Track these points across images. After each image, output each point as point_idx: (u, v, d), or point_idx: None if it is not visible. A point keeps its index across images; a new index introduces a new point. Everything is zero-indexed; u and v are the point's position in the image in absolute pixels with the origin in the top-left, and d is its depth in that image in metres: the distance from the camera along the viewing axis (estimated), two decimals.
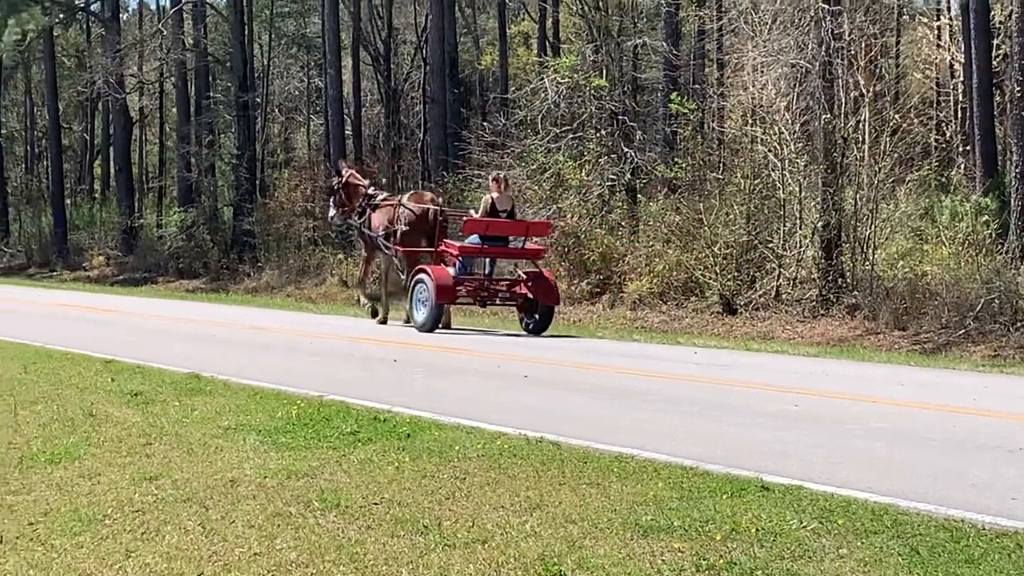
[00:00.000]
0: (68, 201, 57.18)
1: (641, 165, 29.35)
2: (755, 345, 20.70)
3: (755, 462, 8.81)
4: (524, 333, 21.78)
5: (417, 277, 21.18)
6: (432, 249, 22.31)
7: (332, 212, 24.86)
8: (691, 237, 26.21)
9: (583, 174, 29.19)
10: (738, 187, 26.04)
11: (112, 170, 56.42)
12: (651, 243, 27.54)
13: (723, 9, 32.76)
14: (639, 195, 29.99)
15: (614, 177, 29.12)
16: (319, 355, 17.29)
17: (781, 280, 24.64)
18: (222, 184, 45.73)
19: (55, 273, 47.27)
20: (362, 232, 23.88)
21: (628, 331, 23.46)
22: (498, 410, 11.42)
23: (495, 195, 21.76)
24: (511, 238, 21.82)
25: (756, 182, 25.58)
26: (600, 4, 32.35)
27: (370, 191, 24.07)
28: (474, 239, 21.59)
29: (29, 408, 11.44)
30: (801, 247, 24.67)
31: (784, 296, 24.43)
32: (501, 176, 22.95)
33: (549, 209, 28.39)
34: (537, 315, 21.60)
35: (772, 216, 25.56)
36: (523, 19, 56.43)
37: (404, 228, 22.45)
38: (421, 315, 21.04)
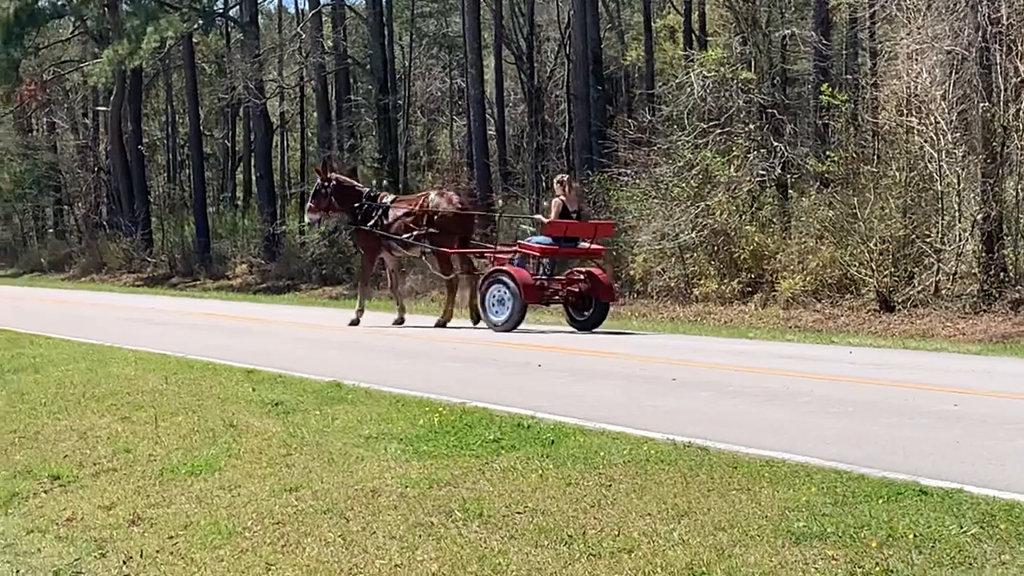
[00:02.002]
0: (210, 209, 57.82)
1: (792, 159, 29.02)
2: (913, 343, 20.40)
3: (912, 465, 8.70)
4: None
5: (494, 277, 21.99)
6: (488, 248, 23.98)
7: (314, 216, 25.37)
8: (845, 233, 25.89)
9: (732, 170, 28.95)
10: (893, 180, 25.65)
11: (254, 177, 57.07)
12: (803, 240, 27.28)
13: None
14: (790, 190, 29.69)
15: (764, 172, 28.83)
16: (462, 360, 17.37)
17: (940, 275, 24.27)
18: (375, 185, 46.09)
19: (198, 282, 47.88)
20: (370, 234, 24.15)
21: (781, 331, 23.27)
22: (644, 414, 11.40)
23: (562, 197, 22.67)
24: (580, 238, 22.72)
25: (912, 174, 25.20)
26: None
27: (371, 192, 24.66)
28: (545, 240, 22.46)
29: (170, 419, 11.64)
30: (960, 241, 24.27)
31: (943, 292, 24.06)
32: (565, 179, 23.72)
33: (697, 207, 28.24)
34: (589, 312, 22.65)
35: (929, 209, 25.15)
36: (668, 12, 56.09)
37: (436, 228, 23.39)
38: (500, 315, 21.80)
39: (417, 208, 23.59)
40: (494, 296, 21.94)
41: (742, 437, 9.94)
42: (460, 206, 24.02)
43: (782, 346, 19.86)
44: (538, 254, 22.43)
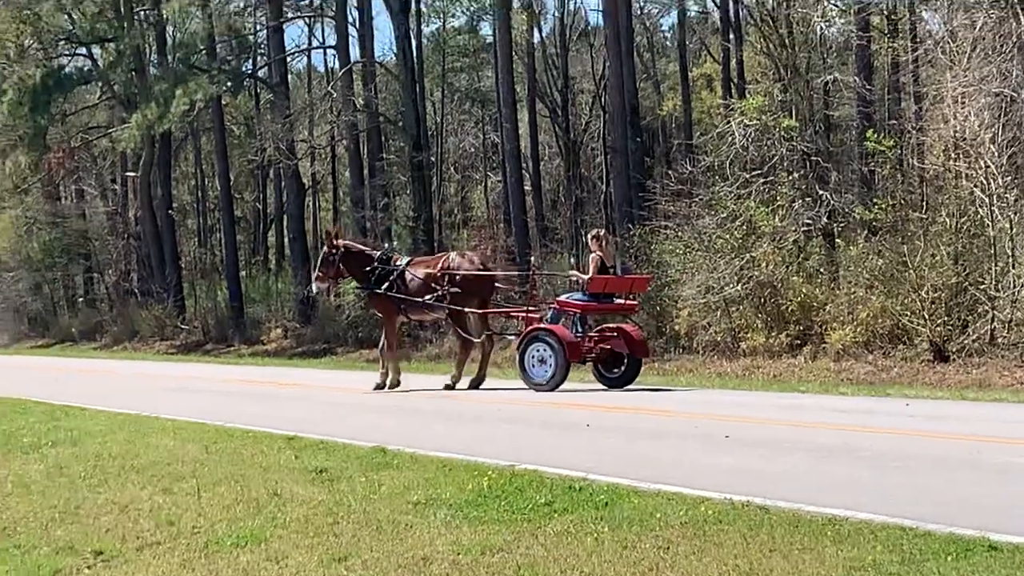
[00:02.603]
0: (243, 273, 57.99)
1: (838, 208, 28.93)
2: (971, 394, 20.27)
3: (979, 520, 8.60)
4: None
5: (534, 336, 21.93)
6: (514, 309, 24.58)
7: (323, 285, 25.23)
8: (895, 281, 25.76)
9: (776, 220, 28.86)
10: (943, 226, 25.53)
11: (286, 239, 57.27)
12: (853, 290, 27.13)
13: (918, 39, 32.31)
14: (837, 239, 29.57)
15: (810, 222, 28.71)
16: (508, 422, 17.33)
17: (995, 323, 24.09)
18: (399, 248, 46.14)
19: (232, 348, 47.96)
20: (386, 297, 23.99)
21: (833, 384, 23.15)
22: (699, 473, 11.36)
23: (599, 252, 22.68)
24: (616, 294, 22.87)
25: (963, 220, 25.07)
26: (786, 41, 32.10)
27: (382, 256, 24.54)
28: (578, 296, 22.66)
29: (212, 490, 11.61)
30: (1015, 287, 24.09)
31: (1000, 340, 23.88)
32: (601, 233, 23.74)
33: (742, 259, 28.15)
34: (621, 368, 22.57)
35: (982, 255, 25.01)
36: (705, 61, 56.39)
37: (457, 289, 23.30)
38: (542, 375, 21.66)
39: (437, 270, 23.59)
40: (534, 356, 21.82)
41: (802, 495, 9.87)
42: (482, 267, 24.09)
43: (835, 400, 19.77)
44: (580, 311, 22.43)
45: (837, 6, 33.63)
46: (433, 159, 51.83)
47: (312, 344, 43.76)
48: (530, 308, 23.23)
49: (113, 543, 9.99)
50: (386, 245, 26.62)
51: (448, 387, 23.11)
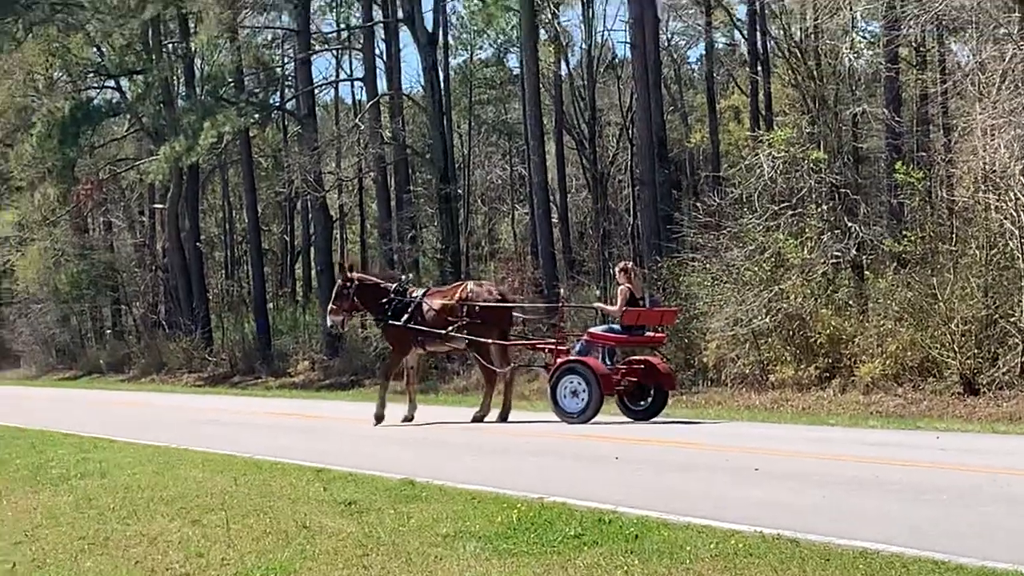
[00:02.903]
0: (270, 305, 57.97)
1: (867, 240, 28.87)
2: (1002, 427, 20.21)
3: (1012, 554, 8.59)
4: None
5: (568, 368, 21.86)
6: (539, 341, 24.72)
7: (337, 318, 24.92)
8: (925, 314, 25.68)
9: (805, 252, 28.81)
10: (973, 259, 25.46)
11: (314, 271, 57.31)
12: (882, 322, 27.05)
13: (947, 71, 32.28)
14: (866, 272, 29.50)
15: (838, 254, 28.65)
16: (536, 454, 17.33)
17: None
18: (426, 280, 46.12)
19: (260, 380, 47.91)
20: (402, 330, 23.72)
21: (862, 417, 23.10)
22: (729, 506, 11.33)
23: (628, 285, 22.61)
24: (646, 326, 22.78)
25: (992, 252, 25.00)
26: (814, 73, 32.11)
27: (398, 287, 24.26)
28: (615, 328, 22.61)
29: (241, 522, 11.63)
30: None
31: None
32: (629, 265, 23.77)
33: (770, 291, 28.10)
34: (648, 400, 22.61)
35: (1012, 288, 24.90)
36: (732, 93, 56.32)
37: (476, 320, 23.10)
38: (575, 407, 21.56)
39: (455, 300, 23.46)
40: (567, 387, 21.75)
41: (832, 528, 9.86)
42: (501, 297, 23.97)
43: (865, 433, 19.72)
44: (613, 343, 22.43)
45: (865, 38, 33.72)
46: (460, 191, 51.90)
47: (339, 376, 43.69)
48: (558, 340, 23.21)
49: (142, 575, 10.01)
50: (402, 277, 26.47)
51: (476, 419, 23.05)
